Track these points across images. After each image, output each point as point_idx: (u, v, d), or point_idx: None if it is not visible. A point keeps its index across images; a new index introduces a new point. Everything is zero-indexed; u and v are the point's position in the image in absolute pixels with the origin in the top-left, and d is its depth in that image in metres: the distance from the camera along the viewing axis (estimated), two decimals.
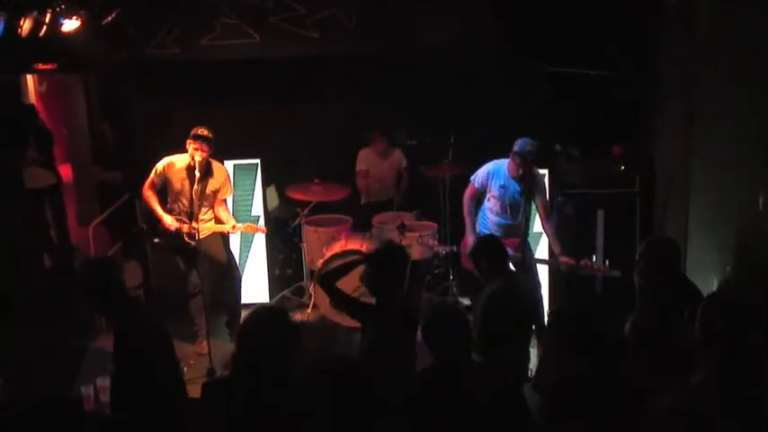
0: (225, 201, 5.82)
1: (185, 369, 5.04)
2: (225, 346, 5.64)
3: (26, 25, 5.11)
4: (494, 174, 5.48)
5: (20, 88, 6.47)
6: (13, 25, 4.99)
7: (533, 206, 5.47)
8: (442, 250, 6.24)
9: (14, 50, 5.26)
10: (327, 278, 4.06)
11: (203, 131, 5.40)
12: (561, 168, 6.03)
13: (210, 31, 6.54)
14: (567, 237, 5.63)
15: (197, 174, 5.44)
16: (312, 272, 6.53)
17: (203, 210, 5.61)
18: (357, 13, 6.48)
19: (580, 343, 2.99)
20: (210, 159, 5.54)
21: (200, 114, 6.03)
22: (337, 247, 6.15)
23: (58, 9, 5.33)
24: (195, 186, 5.48)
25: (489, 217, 5.57)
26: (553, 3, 6.08)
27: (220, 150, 5.67)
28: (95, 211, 6.69)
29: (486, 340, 4.04)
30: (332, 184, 6.57)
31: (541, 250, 6.10)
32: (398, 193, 7.05)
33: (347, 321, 5.59)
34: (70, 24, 5.56)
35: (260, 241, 6.87)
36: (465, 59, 6.45)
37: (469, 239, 5.57)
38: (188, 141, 5.44)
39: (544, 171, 5.83)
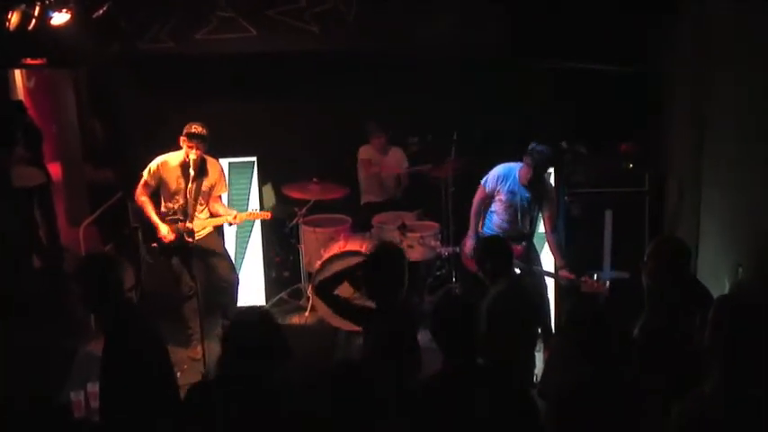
0: (220, 197, 5.82)
1: (179, 374, 5.04)
2: (219, 351, 5.64)
3: (14, 18, 5.12)
4: (504, 178, 5.47)
5: (7, 84, 6.46)
6: (0, 18, 5.00)
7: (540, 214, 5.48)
8: (445, 251, 6.25)
9: (2, 44, 5.27)
10: (324, 287, 4.06)
11: (197, 128, 5.40)
12: (567, 167, 6.03)
13: (206, 24, 6.54)
14: (573, 238, 5.63)
15: (191, 172, 5.44)
16: (310, 274, 6.53)
17: (199, 208, 5.62)
18: (357, 7, 6.47)
19: (594, 346, 2.98)
20: (205, 156, 5.55)
21: (194, 111, 6.04)
22: (336, 249, 6.15)
23: (47, 2, 5.34)
24: (190, 185, 5.48)
25: (495, 221, 5.57)
26: None
27: (215, 148, 5.68)
28: (86, 210, 6.70)
29: (491, 344, 4.04)
30: (330, 183, 6.57)
31: (547, 259, 6.05)
32: (399, 190, 7.05)
33: (346, 325, 5.59)
34: (60, 17, 5.57)
35: (256, 242, 6.87)
36: (467, 55, 6.46)
37: (468, 242, 5.58)
38: (182, 139, 5.45)
39: (549, 169, 5.83)
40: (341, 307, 4.01)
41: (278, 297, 6.87)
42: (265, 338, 2.82)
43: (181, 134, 5.45)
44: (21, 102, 6.43)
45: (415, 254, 6.06)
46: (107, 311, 3.52)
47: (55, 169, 6.75)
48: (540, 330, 4.75)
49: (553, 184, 5.81)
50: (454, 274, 6.73)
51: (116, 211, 6.49)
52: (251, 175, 6.81)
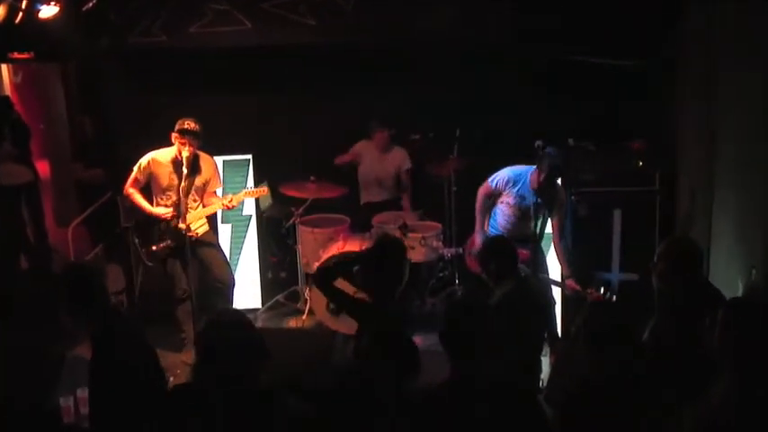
0: (215, 193, 5.83)
1: (171, 379, 5.04)
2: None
3: (0, 11, 5.13)
4: (514, 182, 5.44)
5: None
6: None
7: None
8: (447, 252, 6.24)
9: None
10: (323, 277, 4.05)
11: (190, 124, 5.41)
12: (574, 165, 6.02)
13: (199, 17, 6.55)
14: (581, 239, 5.63)
15: (184, 170, 5.45)
16: (308, 275, 6.54)
17: (194, 204, 5.64)
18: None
19: (606, 353, 2.98)
20: (198, 152, 5.56)
21: (187, 107, 6.03)
22: (335, 249, 6.16)
23: None
24: (183, 183, 5.49)
25: (500, 222, 5.57)
26: None
27: (209, 145, 5.69)
28: (75, 210, 6.71)
29: (496, 349, 4.04)
30: (328, 182, 6.57)
31: (554, 263, 6.05)
32: (400, 192, 7.03)
33: (344, 328, 5.59)
34: (48, 10, 5.58)
35: (252, 243, 6.88)
36: (468, 48, 6.46)
37: (477, 239, 5.57)
38: (174, 135, 5.46)
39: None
40: (338, 298, 4.01)
41: (274, 300, 6.87)
42: (239, 340, 2.85)
43: (173, 130, 5.46)
44: (7, 97, 6.44)
45: (416, 255, 6.05)
46: (92, 319, 3.54)
47: (43, 167, 6.76)
48: (546, 334, 4.75)
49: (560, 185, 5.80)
50: (457, 276, 6.74)
51: (106, 212, 6.51)
52: (246, 174, 6.81)
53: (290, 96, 7.07)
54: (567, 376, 3.91)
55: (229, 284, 5.91)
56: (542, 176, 5.22)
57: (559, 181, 5.77)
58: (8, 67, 6.72)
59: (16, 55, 6.22)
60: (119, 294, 6.31)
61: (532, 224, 5.38)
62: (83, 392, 3.98)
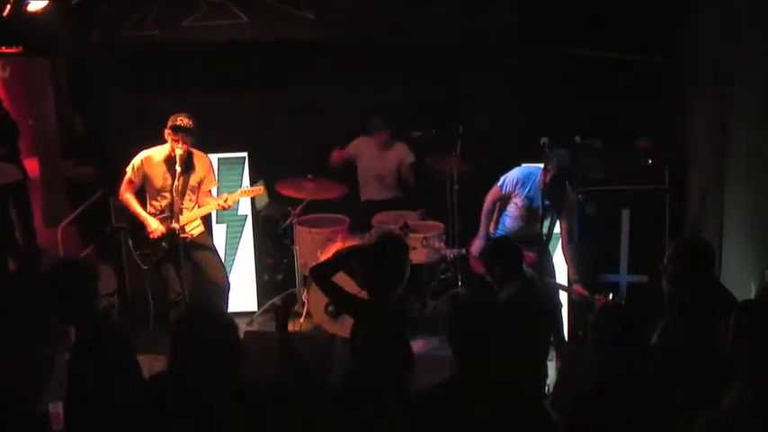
0: (210, 192, 5.83)
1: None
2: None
3: None
4: (523, 182, 5.44)
5: None
6: None
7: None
8: (450, 253, 6.24)
9: None
10: (321, 271, 4.05)
11: (183, 121, 5.40)
12: (582, 163, 6.01)
13: (193, 10, 6.56)
14: (588, 239, 5.62)
15: (178, 168, 5.44)
16: (305, 277, 6.54)
17: (188, 204, 5.62)
18: None
19: (619, 351, 2.98)
20: (191, 149, 5.55)
21: (180, 103, 6.03)
22: (333, 250, 6.15)
23: None
24: (176, 182, 5.48)
25: (509, 224, 5.57)
26: None
27: (203, 142, 5.68)
28: (65, 209, 6.71)
29: (501, 352, 4.04)
30: (327, 181, 6.57)
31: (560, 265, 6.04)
32: (402, 188, 7.03)
33: (343, 331, 5.58)
34: (37, 3, 5.58)
35: (247, 244, 6.88)
36: (471, 44, 6.46)
37: (476, 242, 5.58)
38: (166, 132, 5.44)
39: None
40: (335, 294, 4.01)
41: (270, 302, 6.86)
42: (212, 336, 2.88)
43: (166, 127, 5.45)
44: None
45: (418, 256, 6.05)
46: (80, 319, 3.54)
47: (32, 165, 6.76)
48: (552, 338, 4.75)
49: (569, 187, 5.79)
50: (460, 277, 6.73)
51: (97, 211, 6.51)
52: (241, 172, 6.81)
53: (287, 92, 7.07)
54: (574, 381, 3.91)
55: (224, 287, 5.89)
56: (549, 177, 5.20)
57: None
58: None
59: (4, 49, 6.23)
60: (110, 296, 6.31)
61: (539, 225, 5.38)
62: None
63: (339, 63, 6.80)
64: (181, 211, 5.56)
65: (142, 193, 5.66)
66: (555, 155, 5.20)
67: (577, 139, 6.06)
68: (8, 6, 5.34)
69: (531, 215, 5.44)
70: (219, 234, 6.73)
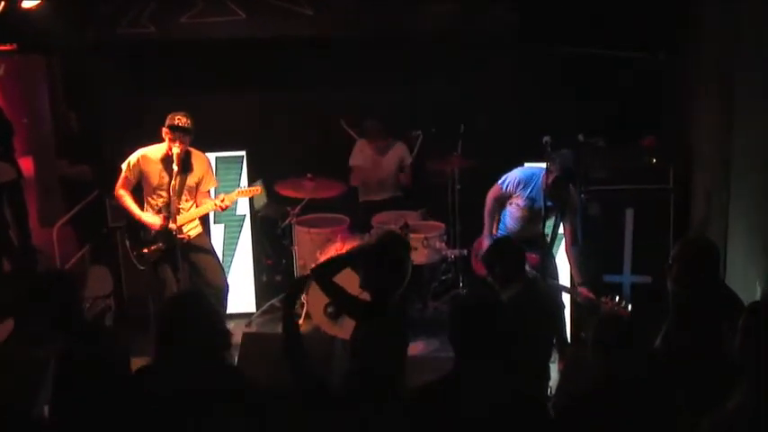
0: (209, 192, 5.83)
1: None
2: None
3: None
4: (525, 183, 5.43)
5: None
6: None
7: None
8: (451, 254, 6.25)
9: None
10: (322, 272, 4.05)
11: (180, 119, 5.39)
12: (585, 162, 6.01)
13: (190, 7, 6.55)
14: (591, 240, 5.62)
15: (175, 168, 5.44)
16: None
17: (186, 205, 5.62)
18: None
19: (620, 353, 2.99)
20: (189, 149, 5.55)
21: (177, 101, 6.03)
22: (333, 251, 6.16)
23: None
24: (173, 181, 5.48)
25: (508, 223, 5.57)
26: None
27: (201, 141, 5.68)
28: (60, 209, 6.71)
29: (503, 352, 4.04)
30: (326, 180, 6.57)
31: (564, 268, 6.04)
32: (400, 189, 7.04)
33: (343, 333, 5.59)
34: (31, 0, 5.58)
35: (245, 244, 6.88)
36: (471, 42, 6.47)
37: (484, 242, 5.57)
38: (164, 130, 5.44)
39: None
40: (336, 295, 4.02)
41: (269, 303, 6.87)
42: (193, 323, 2.90)
43: (163, 125, 5.45)
44: None
45: (419, 256, 6.06)
46: (64, 329, 3.56)
47: (26, 164, 6.76)
48: (554, 340, 4.75)
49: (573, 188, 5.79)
50: (461, 278, 6.74)
51: (93, 210, 6.51)
52: (240, 171, 6.81)
53: (285, 90, 7.07)
54: (576, 383, 3.91)
55: (223, 289, 5.89)
56: (552, 179, 5.18)
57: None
58: None
59: None
60: (106, 298, 6.31)
61: (541, 226, 5.38)
62: None
63: (338, 62, 6.80)
64: (178, 212, 5.56)
65: (139, 193, 5.67)
66: (558, 156, 5.18)
67: (580, 137, 6.06)
68: (2, 3, 5.34)
69: (533, 216, 5.43)
70: (217, 234, 6.74)
